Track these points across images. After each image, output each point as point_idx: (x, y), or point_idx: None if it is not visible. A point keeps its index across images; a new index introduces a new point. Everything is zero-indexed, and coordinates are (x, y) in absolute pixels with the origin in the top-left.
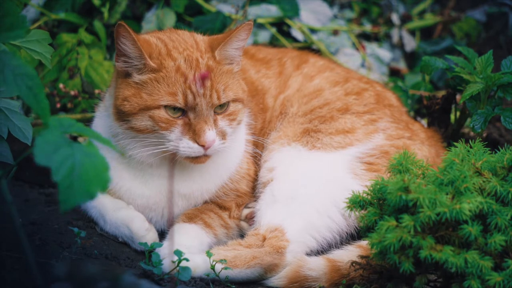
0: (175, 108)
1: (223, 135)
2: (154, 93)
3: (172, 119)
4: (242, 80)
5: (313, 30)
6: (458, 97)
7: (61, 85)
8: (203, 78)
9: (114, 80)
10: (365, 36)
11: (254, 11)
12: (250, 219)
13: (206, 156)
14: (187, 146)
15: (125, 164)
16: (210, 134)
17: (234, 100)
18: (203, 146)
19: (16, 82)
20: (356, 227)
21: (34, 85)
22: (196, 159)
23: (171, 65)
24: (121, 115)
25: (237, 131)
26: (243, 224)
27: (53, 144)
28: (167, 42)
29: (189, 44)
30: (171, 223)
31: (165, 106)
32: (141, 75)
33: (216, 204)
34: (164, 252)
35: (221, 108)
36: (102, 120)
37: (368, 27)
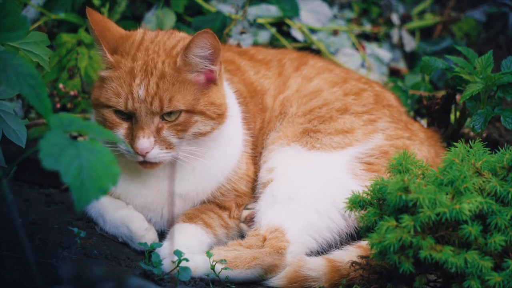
0: (119, 111)
1: (167, 144)
2: (107, 90)
3: (118, 120)
4: (219, 93)
5: (313, 30)
6: (458, 97)
7: (61, 85)
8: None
9: None
10: (365, 36)
11: (254, 11)
12: (249, 220)
13: (152, 163)
14: (126, 149)
15: (122, 163)
16: (143, 142)
17: (189, 112)
18: (137, 152)
19: (19, 81)
20: (356, 228)
21: (36, 84)
22: (143, 164)
23: (128, 66)
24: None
25: (210, 139)
26: (243, 225)
27: (57, 145)
28: (145, 42)
29: (167, 46)
30: (171, 223)
31: (112, 107)
32: (106, 69)
33: (216, 204)
34: (164, 252)
35: (169, 116)
36: None
37: (368, 27)
